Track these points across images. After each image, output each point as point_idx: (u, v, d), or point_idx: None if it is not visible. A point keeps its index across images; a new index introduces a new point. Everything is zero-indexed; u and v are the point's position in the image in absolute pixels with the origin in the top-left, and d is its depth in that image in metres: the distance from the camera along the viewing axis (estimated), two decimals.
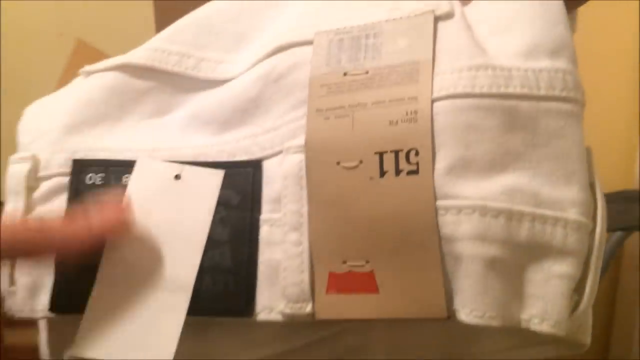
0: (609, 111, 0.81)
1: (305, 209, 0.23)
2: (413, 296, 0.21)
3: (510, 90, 0.21)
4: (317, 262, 0.22)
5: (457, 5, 0.23)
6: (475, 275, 0.20)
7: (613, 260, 0.76)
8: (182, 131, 0.26)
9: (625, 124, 0.83)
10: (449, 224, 0.21)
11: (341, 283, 0.21)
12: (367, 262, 0.21)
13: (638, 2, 0.81)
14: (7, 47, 0.92)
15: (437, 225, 0.21)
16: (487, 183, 0.21)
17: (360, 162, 0.22)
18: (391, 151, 0.21)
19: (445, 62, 0.22)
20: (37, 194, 0.25)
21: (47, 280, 0.24)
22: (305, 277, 0.22)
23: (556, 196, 0.21)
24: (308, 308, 0.21)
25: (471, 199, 0.21)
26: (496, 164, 0.21)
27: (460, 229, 0.20)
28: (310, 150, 0.23)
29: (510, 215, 0.20)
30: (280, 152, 0.24)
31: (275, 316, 0.22)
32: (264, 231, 0.23)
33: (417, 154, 0.21)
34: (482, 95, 0.21)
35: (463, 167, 0.21)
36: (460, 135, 0.21)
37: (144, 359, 0.22)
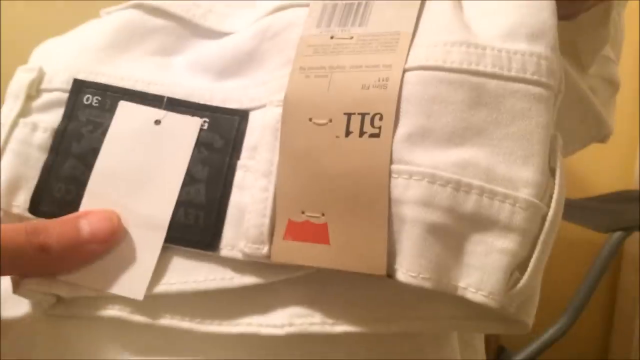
0: None
1: (276, 159, 0.24)
2: (359, 251, 0.22)
3: (481, 68, 0.22)
4: (279, 209, 0.23)
5: None
6: (414, 238, 0.21)
7: (613, 260, 0.76)
8: (181, 72, 0.27)
9: (625, 124, 0.83)
10: (398, 187, 0.21)
11: (297, 231, 0.23)
12: (323, 214, 0.23)
13: (638, 2, 0.80)
14: (7, 47, 0.92)
15: (388, 187, 0.22)
16: (442, 153, 0.22)
17: (330, 120, 0.23)
18: (359, 113, 0.22)
19: (426, 36, 0.23)
20: (36, 102, 0.26)
21: (30, 180, 0.25)
22: (266, 221, 0.23)
23: (510, 175, 0.21)
24: (264, 250, 0.23)
25: (423, 166, 0.21)
26: (455, 137, 0.22)
27: (408, 193, 0.21)
28: (287, 104, 0.24)
29: (458, 186, 0.21)
30: (265, 105, 0.25)
31: (235, 253, 0.23)
32: (239, 175, 0.24)
33: (381, 118, 0.22)
34: (451, 70, 0.22)
35: (422, 136, 0.22)
36: (424, 106, 0.22)
37: (117, 293, 0.23)
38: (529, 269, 0.21)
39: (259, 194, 0.24)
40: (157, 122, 0.25)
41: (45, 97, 0.26)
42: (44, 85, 0.27)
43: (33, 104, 0.26)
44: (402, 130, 0.22)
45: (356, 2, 0.25)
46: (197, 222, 0.24)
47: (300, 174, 0.23)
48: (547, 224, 0.21)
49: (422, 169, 0.21)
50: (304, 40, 0.25)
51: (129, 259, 0.23)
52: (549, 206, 0.22)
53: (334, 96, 0.23)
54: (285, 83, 0.24)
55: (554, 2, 0.23)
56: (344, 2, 0.25)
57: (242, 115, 0.25)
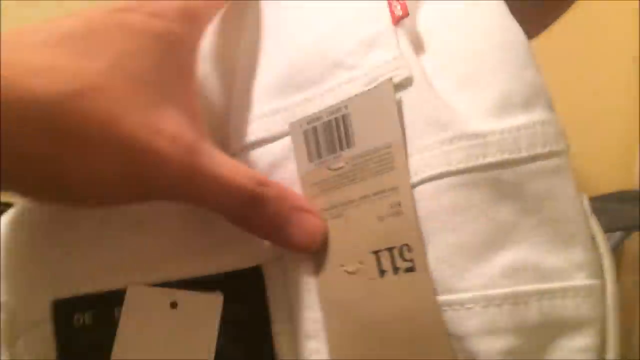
0: (609, 111, 0.81)
1: (319, 315, 0.22)
2: None
3: (490, 159, 0.20)
4: None
5: (414, 61, 0.22)
6: None
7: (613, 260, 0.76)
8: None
9: (625, 124, 0.83)
10: (454, 320, 0.20)
11: None
12: None
13: (638, 2, 0.80)
14: None
15: (443, 323, 0.20)
16: (484, 267, 0.20)
17: (360, 263, 0.21)
18: (386, 249, 0.21)
19: (417, 138, 0.21)
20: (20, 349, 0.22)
21: None
22: None
23: (560, 264, 0.20)
24: None
25: (471, 290, 0.20)
26: (489, 243, 0.20)
27: (467, 324, 0.19)
28: (317, 256, 0.22)
29: (516, 299, 0.19)
30: (279, 257, 0.23)
31: None
32: (280, 343, 0.23)
33: (409, 249, 0.20)
34: (460, 172, 0.20)
35: (456, 254, 0.20)
36: (446, 220, 0.20)
37: None
38: (610, 349, 0.20)
39: (313, 357, 0.22)
40: (174, 304, 0.23)
41: (24, 339, 0.22)
42: (18, 326, 0.22)
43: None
44: (433, 254, 0.20)
45: (332, 117, 0.23)
46: None
47: (349, 328, 0.21)
48: (608, 300, 0.21)
49: (471, 294, 0.20)
50: (305, 181, 0.23)
51: None
52: (603, 278, 0.20)
53: (356, 235, 0.21)
54: None
55: (530, 48, 0.21)
56: (320, 121, 0.23)
57: (257, 274, 0.23)
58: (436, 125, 0.21)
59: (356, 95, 0.22)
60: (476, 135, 0.20)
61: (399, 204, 0.21)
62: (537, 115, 0.20)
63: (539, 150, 0.20)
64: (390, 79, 0.21)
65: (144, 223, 0.23)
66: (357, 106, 0.22)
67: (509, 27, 0.20)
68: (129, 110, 0.18)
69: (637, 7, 0.80)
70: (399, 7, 0.21)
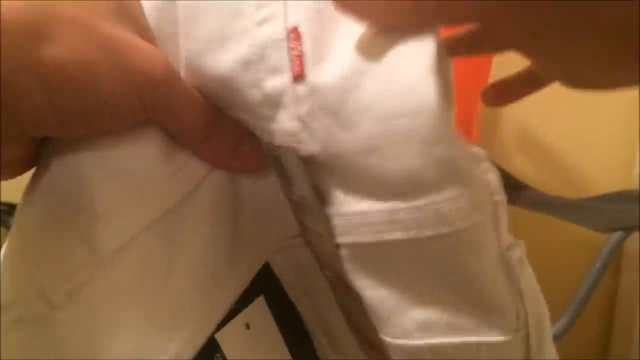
0: (609, 111, 0.81)
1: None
2: None
3: (395, 236, 0.19)
4: None
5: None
6: None
7: (613, 260, 0.76)
8: None
9: (625, 124, 0.83)
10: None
11: None
12: None
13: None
14: None
15: None
16: (402, 320, 0.21)
17: None
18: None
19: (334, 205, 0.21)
20: None
21: None
22: None
23: (473, 321, 0.20)
24: None
25: (392, 337, 0.21)
26: (405, 300, 0.20)
27: None
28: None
29: (434, 350, 0.20)
30: (279, 249, 0.25)
31: None
32: (306, 316, 0.25)
33: None
34: (370, 244, 0.20)
35: (380, 307, 0.21)
36: (365, 277, 0.21)
37: None
38: None
39: None
40: (248, 326, 0.23)
41: None
42: None
43: None
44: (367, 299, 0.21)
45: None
46: None
47: None
48: (533, 346, 0.21)
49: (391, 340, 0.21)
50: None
51: None
52: (527, 327, 0.20)
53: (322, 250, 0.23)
54: None
55: (448, 119, 0.18)
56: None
57: (269, 271, 0.25)
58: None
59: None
60: (381, 213, 0.19)
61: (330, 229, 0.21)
62: (445, 194, 0.18)
63: (445, 230, 0.19)
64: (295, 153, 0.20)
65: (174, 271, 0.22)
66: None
67: (428, 89, 0.17)
68: (108, 23, 0.18)
69: None
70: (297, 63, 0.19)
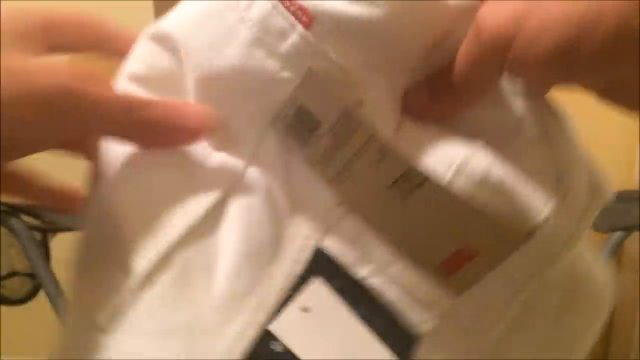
0: (609, 111, 0.81)
1: None
2: None
3: None
4: None
5: None
6: None
7: (613, 260, 0.76)
8: None
9: (625, 124, 0.83)
10: None
11: None
12: None
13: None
14: None
15: None
16: None
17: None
18: (392, 182, 0.24)
19: None
20: None
21: None
22: None
23: None
24: None
25: None
26: None
27: None
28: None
29: None
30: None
31: None
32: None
33: (409, 173, 0.23)
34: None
35: None
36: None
37: None
38: None
39: None
40: (306, 309, 0.23)
41: None
42: None
43: None
44: None
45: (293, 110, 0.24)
46: None
47: None
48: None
49: None
50: (311, 161, 0.25)
51: None
52: None
53: (363, 186, 0.24)
54: None
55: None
56: (287, 117, 0.24)
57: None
58: None
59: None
60: None
61: (380, 148, 0.22)
62: None
63: None
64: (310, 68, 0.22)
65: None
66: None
67: None
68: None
69: None
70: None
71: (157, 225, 0.22)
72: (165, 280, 0.22)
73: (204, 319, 0.22)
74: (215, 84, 0.23)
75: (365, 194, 0.24)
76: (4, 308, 0.77)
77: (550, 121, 0.22)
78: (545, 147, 0.22)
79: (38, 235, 0.71)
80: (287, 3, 0.21)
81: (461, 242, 0.23)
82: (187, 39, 0.23)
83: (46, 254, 0.71)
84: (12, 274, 0.74)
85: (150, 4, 0.72)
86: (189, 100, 0.23)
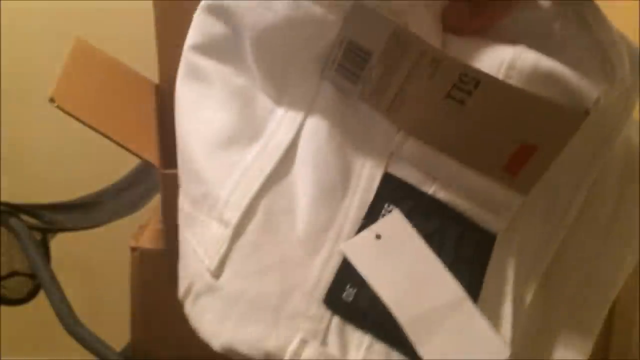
0: None
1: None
2: None
3: None
4: None
5: None
6: None
7: None
8: None
9: None
10: None
11: None
12: None
13: (638, 2, 0.80)
14: (7, 47, 0.92)
15: None
16: None
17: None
18: (451, 87, 0.24)
19: None
20: None
21: None
22: None
23: None
24: None
25: None
26: None
27: None
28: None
29: None
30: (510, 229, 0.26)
31: None
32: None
33: (465, 77, 0.24)
34: None
35: None
36: None
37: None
38: None
39: None
40: (378, 237, 0.25)
41: None
42: None
43: None
44: None
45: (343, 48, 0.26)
46: None
47: None
48: None
49: None
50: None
51: None
52: None
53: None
54: None
55: None
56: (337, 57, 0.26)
57: (491, 239, 0.25)
58: None
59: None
60: None
61: (433, 59, 0.23)
62: None
63: None
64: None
65: None
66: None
67: None
68: None
69: (637, 7, 0.80)
70: None
71: (239, 178, 0.25)
72: (253, 227, 0.25)
73: (293, 254, 0.25)
74: (269, 39, 0.25)
75: (423, 113, 0.24)
76: (4, 308, 0.77)
77: (586, 10, 0.23)
78: (585, 35, 0.23)
79: (38, 235, 0.71)
80: None
81: (521, 137, 0.23)
82: (239, 3, 0.25)
83: (46, 254, 0.71)
84: (12, 274, 0.74)
85: (150, 4, 0.72)
86: (246, 59, 0.26)
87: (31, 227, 0.69)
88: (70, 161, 0.98)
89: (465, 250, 0.24)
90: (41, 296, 0.69)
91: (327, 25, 0.24)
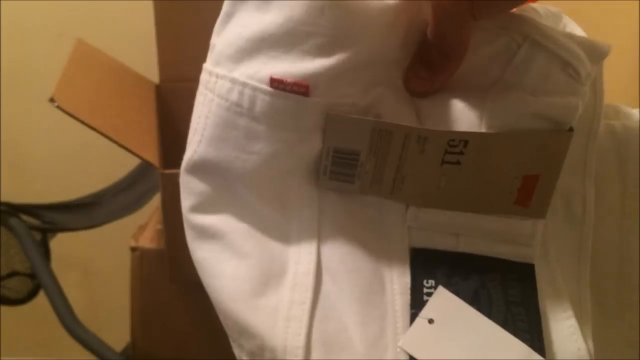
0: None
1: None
2: None
3: None
4: None
5: None
6: None
7: None
8: None
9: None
10: None
11: None
12: None
13: (638, 2, 0.80)
14: (7, 47, 0.92)
15: None
16: None
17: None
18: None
19: None
20: None
21: None
22: None
23: None
24: None
25: None
26: None
27: None
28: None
29: None
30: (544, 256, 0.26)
31: None
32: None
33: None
34: None
35: None
36: None
37: None
38: None
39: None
40: (431, 321, 0.25)
41: None
42: None
43: None
44: None
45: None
46: None
47: None
48: None
49: None
50: None
51: None
52: None
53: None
54: None
55: None
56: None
57: (531, 272, 0.25)
58: None
59: None
60: None
61: (419, 137, 0.24)
62: None
63: None
64: None
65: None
66: None
67: None
68: None
69: (637, 7, 0.80)
70: None
71: (286, 322, 0.25)
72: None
73: None
74: (260, 177, 0.25)
75: (425, 185, 0.25)
76: (4, 308, 0.77)
77: (529, 30, 0.24)
78: (540, 51, 0.24)
79: (38, 235, 0.71)
80: (282, 85, 0.23)
81: (522, 172, 0.24)
82: (218, 157, 0.25)
83: (46, 254, 0.71)
84: (12, 274, 0.74)
85: (150, 4, 0.72)
86: (244, 199, 0.26)
87: (31, 227, 0.69)
88: (70, 161, 0.98)
89: (512, 292, 0.25)
90: (41, 296, 0.69)
91: (310, 143, 0.25)
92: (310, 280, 0.25)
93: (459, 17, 0.22)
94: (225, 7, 0.24)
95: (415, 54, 0.25)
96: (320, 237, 0.26)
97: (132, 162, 0.79)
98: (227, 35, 0.24)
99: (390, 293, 0.25)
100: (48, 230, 0.72)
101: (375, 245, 0.26)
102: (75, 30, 0.71)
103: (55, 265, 0.69)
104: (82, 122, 0.50)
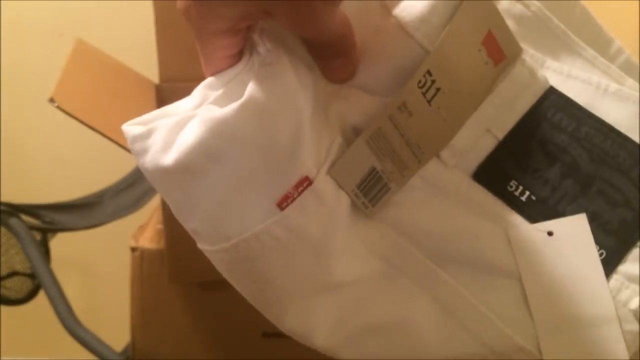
0: None
1: None
2: None
3: None
4: None
5: None
6: None
7: None
8: None
9: None
10: None
11: None
12: None
13: (638, 2, 0.81)
14: (7, 47, 0.92)
15: None
16: None
17: None
18: None
19: None
20: None
21: None
22: None
23: None
24: None
25: None
26: None
27: None
28: None
29: None
30: None
31: None
32: None
33: None
34: None
35: None
36: None
37: None
38: None
39: None
40: (550, 233, 0.25)
41: None
42: None
43: None
44: None
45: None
46: None
47: None
48: None
49: None
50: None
51: None
52: None
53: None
54: None
55: None
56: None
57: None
58: None
59: None
60: None
61: (399, 107, 0.24)
62: None
63: None
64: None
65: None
66: None
67: None
68: None
69: (637, 7, 0.80)
70: None
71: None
72: None
73: None
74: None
75: (434, 131, 0.26)
76: (4, 308, 0.77)
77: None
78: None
79: (38, 235, 0.71)
80: (290, 199, 0.23)
81: (477, 41, 0.25)
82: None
83: (46, 254, 0.71)
84: (12, 274, 0.74)
85: (150, 4, 0.72)
86: None
87: (31, 227, 0.69)
88: (70, 161, 0.98)
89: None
90: (41, 296, 0.69)
91: (342, 213, 0.25)
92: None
93: (304, 14, 0.21)
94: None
95: (312, 55, 0.24)
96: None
97: (132, 162, 0.79)
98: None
99: None
100: (48, 230, 0.72)
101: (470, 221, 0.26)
102: (75, 30, 0.71)
103: (55, 265, 0.69)
104: (82, 122, 0.50)
